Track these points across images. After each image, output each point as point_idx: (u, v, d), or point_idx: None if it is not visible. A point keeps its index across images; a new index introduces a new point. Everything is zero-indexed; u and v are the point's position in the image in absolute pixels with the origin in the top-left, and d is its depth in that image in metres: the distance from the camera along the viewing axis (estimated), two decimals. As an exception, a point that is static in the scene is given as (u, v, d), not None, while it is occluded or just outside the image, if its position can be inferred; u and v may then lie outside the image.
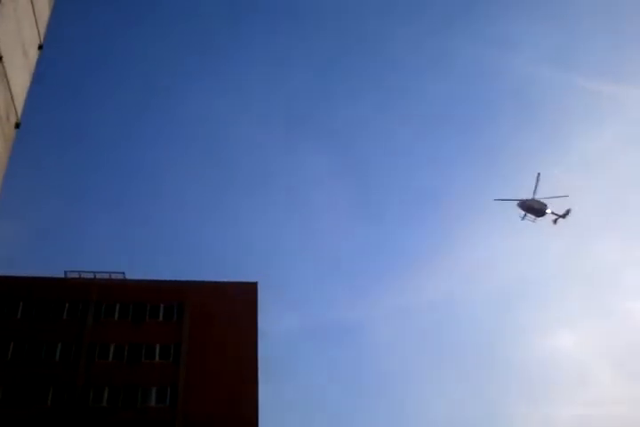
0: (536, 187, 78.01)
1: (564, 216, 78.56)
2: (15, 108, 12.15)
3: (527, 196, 78.13)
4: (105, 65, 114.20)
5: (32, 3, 12.29)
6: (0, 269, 79.54)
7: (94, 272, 49.28)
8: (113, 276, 49.68)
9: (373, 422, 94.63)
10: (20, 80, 12.34)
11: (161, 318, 47.01)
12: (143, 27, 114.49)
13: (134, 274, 50.88)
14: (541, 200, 78.85)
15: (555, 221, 79.11)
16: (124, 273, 49.97)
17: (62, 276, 49.18)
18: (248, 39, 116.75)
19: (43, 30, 13.48)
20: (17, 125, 12.30)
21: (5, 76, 11.35)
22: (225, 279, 49.62)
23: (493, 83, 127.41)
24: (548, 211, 78.54)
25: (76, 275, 49.21)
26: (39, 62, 13.80)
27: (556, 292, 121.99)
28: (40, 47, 13.47)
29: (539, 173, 77.84)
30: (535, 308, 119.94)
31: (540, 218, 78.92)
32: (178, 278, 49.35)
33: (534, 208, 78.37)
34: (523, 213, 78.71)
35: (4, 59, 11.13)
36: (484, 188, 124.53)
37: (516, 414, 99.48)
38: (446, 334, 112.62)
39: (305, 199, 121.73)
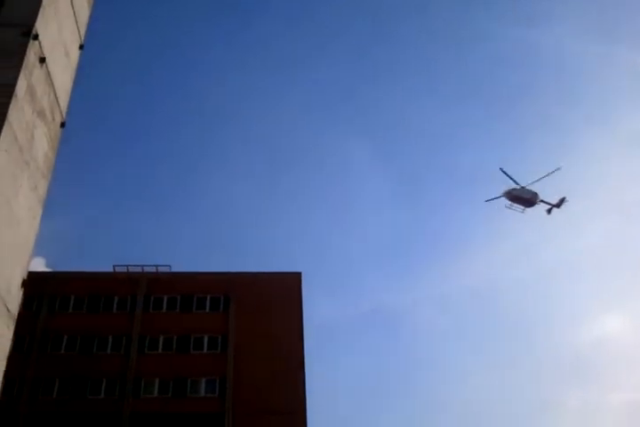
0: (511, 177, 72.38)
1: (558, 205, 73.14)
2: (60, 108, 12.44)
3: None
4: (141, 60, 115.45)
5: (72, 4, 12.54)
6: (51, 265, 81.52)
7: (142, 266, 50.10)
8: (160, 269, 50.43)
9: (417, 408, 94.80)
10: (64, 80, 12.62)
11: (208, 309, 47.64)
12: (180, 23, 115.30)
13: (180, 266, 51.61)
14: (531, 189, 73.07)
15: (549, 211, 73.78)
16: (170, 266, 50.77)
17: (111, 270, 50.19)
18: (280, 22, 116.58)
19: (83, 30, 13.74)
20: (62, 125, 12.61)
21: (49, 76, 11.63)
22: (267, 269, 50.23)
23: (527, 62, 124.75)
24: (539, 200, 73.19)
25: (124, 269, 50.09)
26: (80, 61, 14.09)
27: (601, 275, 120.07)
28: (81, 47, 13.74)
29: (501, 168, 72.05)
30: (580, 292, 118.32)
31: (529, 208, 73.65)
32: (223, 270, 50.01)
33: (522, 198, 72.99)
34: (509, 202, 73.47)
35: (47, 60, 11.41)
36: (522, 170, 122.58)
37: (564, 401, 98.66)
38: (489, 321, 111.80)
39: (343, 185, 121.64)
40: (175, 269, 50.76)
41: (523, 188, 73.05)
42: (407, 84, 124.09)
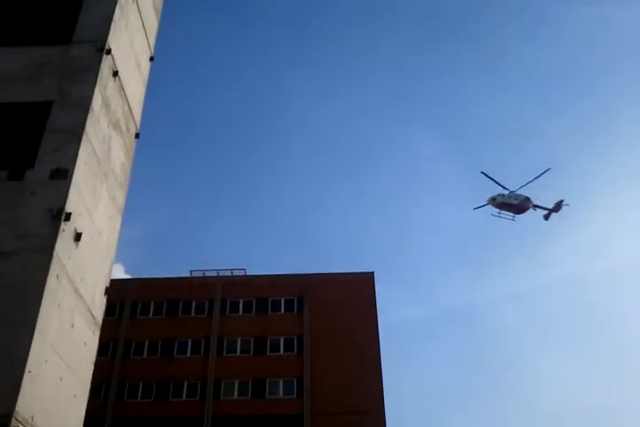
0: (495, 181, 65.96)
1: (556, 210, 66.92)
2: (134, 120, 12.75)
3: None
4: (209, 68, 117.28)
5: (141, 17, 12.84)
6: (129, 272, 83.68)
7: (217, 270, 50.97)
8: (235, 273, 51.18)
9: (495, 407, 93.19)
10: (136, 92, 12.93)
11: (282, 311, 48.03)
12: (242, 30, 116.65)
13: (254, 269, 52.16)
14: (522, 194, 66.86)
15: (546, 217, 67.75)
16: (244, 269, 51.42)
17: (188, 275, 51.19)
18: (347, 17, 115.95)
19: (152, 42, 14.05)
20: (136, 136, 12.92)
21: (122, 89, 11.93)
22: (341, 270, 50.29)
23: (601, 43, 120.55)
24: (532, 206, 67.15)
25: (200, 274, 51.03)
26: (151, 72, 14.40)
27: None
28: (151, 59, 14.06)
29: (482, 172, 65.92)
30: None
31: (520, 215, 67.40)
32: (296, 272, 50.42)
33: (509, 204, 66.59)
34: (496, 210, 67.24)
35: (119, 73, 11.71)
36: (602, 162, 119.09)
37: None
38: (567, 318, 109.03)
39: (411, 183, 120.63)
40: (249, 272, 51.49)
41: (511, 193, 67.22)
42: (473, 73, 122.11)
